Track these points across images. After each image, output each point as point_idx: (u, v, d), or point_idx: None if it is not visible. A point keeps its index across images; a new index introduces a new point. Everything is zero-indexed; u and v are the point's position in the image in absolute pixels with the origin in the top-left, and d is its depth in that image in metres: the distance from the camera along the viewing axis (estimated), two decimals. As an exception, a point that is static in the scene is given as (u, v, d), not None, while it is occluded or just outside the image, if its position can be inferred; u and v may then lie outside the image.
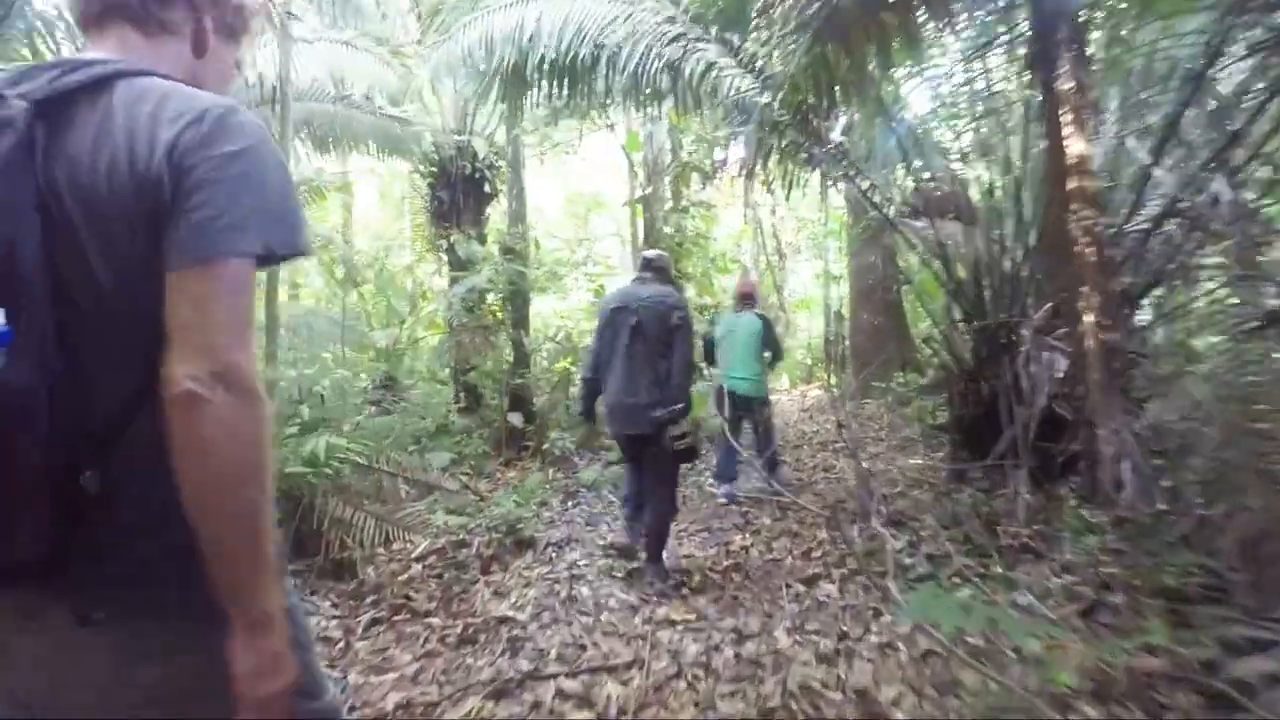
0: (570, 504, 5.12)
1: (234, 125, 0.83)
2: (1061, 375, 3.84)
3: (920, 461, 5.25)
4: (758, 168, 7.34)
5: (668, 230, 10.76)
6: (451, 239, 8.53)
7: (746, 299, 5.66)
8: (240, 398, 0.78)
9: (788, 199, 6.97)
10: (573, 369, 8.25)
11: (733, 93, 4.72)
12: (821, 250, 15.65)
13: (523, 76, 4.88)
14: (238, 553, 0.79)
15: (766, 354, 5.45)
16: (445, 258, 9.01)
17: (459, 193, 9.29)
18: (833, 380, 12.95)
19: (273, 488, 0.83)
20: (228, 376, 0.77)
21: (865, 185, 5.32)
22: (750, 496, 5.18)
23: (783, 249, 16.72)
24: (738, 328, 5.37)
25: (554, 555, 4.00)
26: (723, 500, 5.09)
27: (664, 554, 3.56)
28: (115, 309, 0.81)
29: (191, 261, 0.79)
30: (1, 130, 0.77)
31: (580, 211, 17.37)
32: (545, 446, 6.25)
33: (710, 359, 5.72)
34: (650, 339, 3.39)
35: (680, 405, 3.34)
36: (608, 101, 7.06)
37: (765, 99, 4.62)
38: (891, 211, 5.52)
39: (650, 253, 3.89)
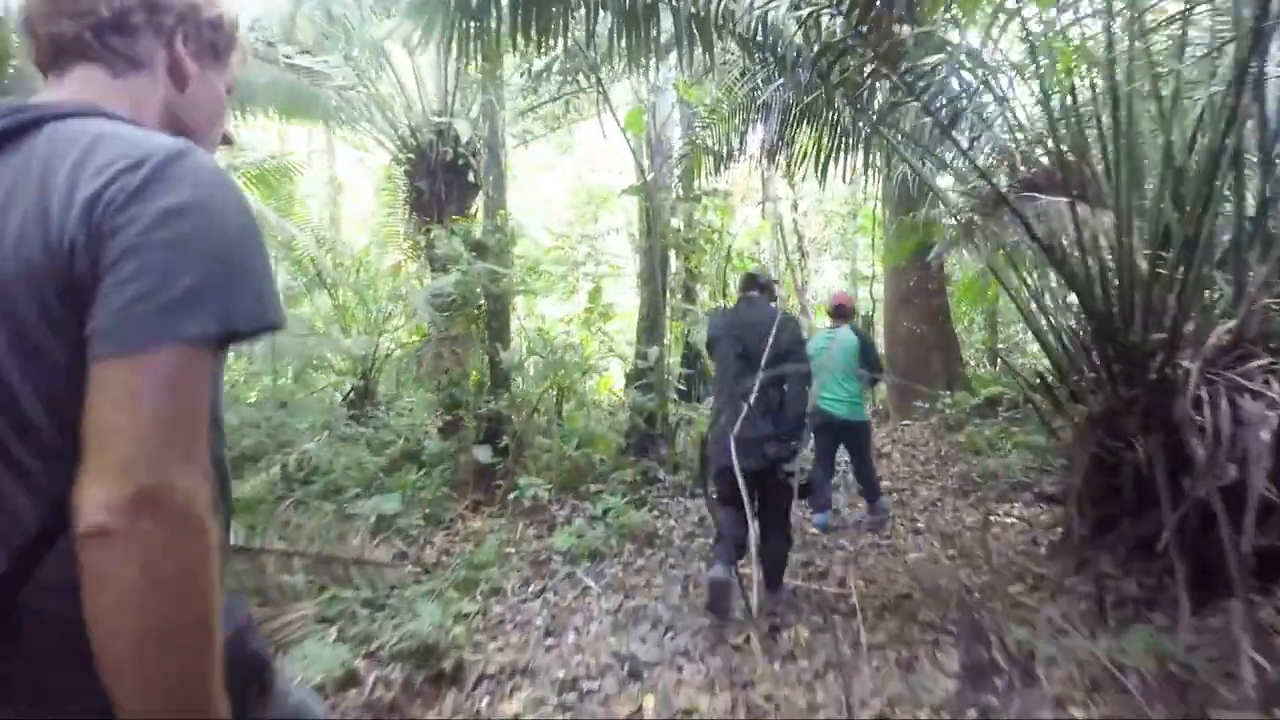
0: (532, 589, 3.79)
1: (175, 174, 0.66)
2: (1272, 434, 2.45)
3: (1020, 549, 3.83)
4: (782, 148, 6.02)
5: (675, 223, 9.43)
6: (432, 234, 7.30)
7: (841, 313, 5.19)
8: (173, 529, 0.59)
9: (822, 183, 5.58)
10: (558, 388, 6.99)
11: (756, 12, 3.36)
12: (850, 247, 14.20)
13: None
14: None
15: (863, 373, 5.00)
16: (426, 256, 7.81)
17: (440, 182, 8.11)
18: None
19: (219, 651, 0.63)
20: (156, 501, 0.59)
21: (943, 156, 3.92)
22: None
23: (805, 246, 15.29)
24: (832, 344, 4.96)
25: (490, 696, 2.68)
26: (816, 530, 4.76)
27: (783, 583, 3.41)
28: (29, 415, 0.64)
29: (113, 352, 0.61)
30: None
31: (586, 204, 16.12)
32: (514, 494, 4.92)
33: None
34: (753, 364, 3.18)
35: (795, 440, 3.16)
36: (591, 53, 5.77)
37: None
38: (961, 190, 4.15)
39: (753, 268, 3.91)
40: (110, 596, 0.58)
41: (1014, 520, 4.54)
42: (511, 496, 4.91)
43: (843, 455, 5.25)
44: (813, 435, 4.81)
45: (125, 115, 0.74)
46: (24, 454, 0.65)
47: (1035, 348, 11.77)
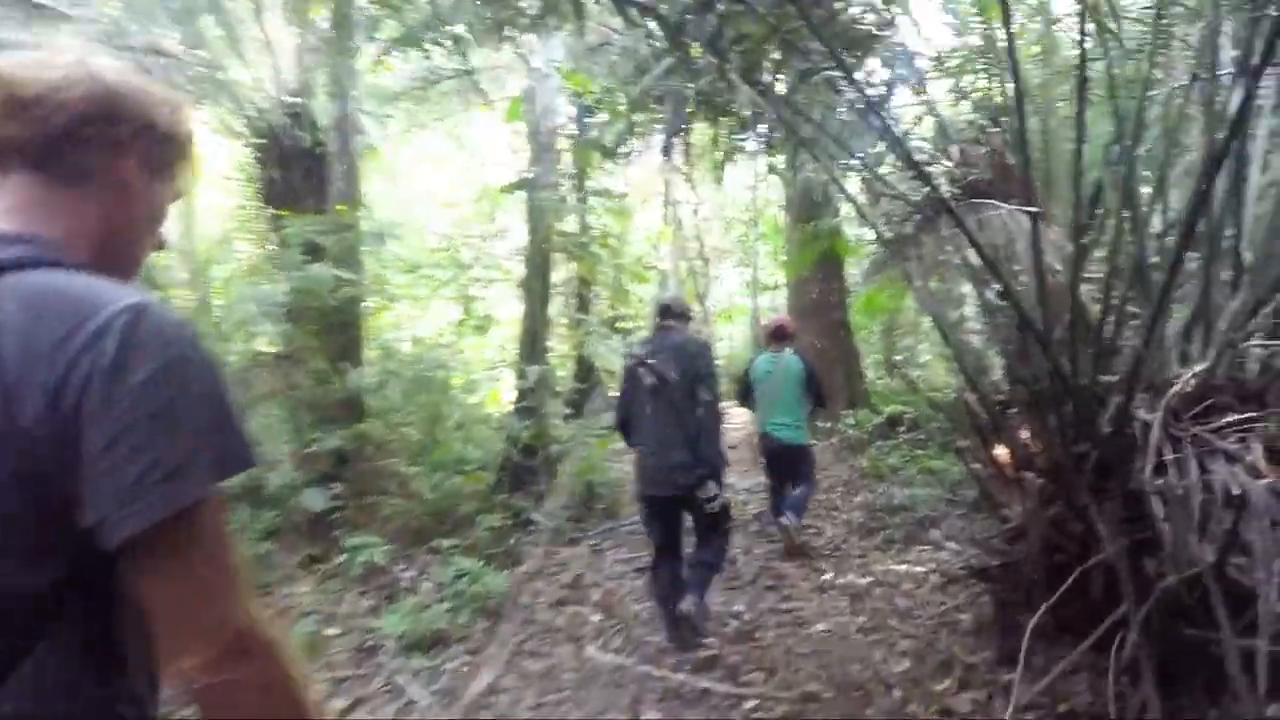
0: (341, 699, 2.89)
1: (141, 340, 0.63)
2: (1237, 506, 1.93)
3: (940, 618, 3.24)
4: (677, 145, 5.36)
5: (563, 227, 8.65)
6: (285, 231, 6.21)
7: (781, 335, 5.08)
8: (266, 660, 0.68)
9: (719, 182, 4.95)
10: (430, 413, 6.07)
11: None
12: (751, 255, 13.84)
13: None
14: None
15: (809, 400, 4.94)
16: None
17: (295, 171, 7.00)
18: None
19: None
20: (241, 646, 0.66)
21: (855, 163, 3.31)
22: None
23: (706, 253, 14.85)
24: (776, 368, 4.87)
25: None
26: (789, 523, 4.62)
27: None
28: None
29: (140, 527, 0.61)
30: None
31: (478, 202, 15.08)
32: (343, 557, 3.98)
33: (746, 402, 5.22)
34: (676, 396, 3.24)
35: (709, 467, 3.22)
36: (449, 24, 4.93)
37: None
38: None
39: (667, 297, 3.75)
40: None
41: (926, 570, 4.03)
42: (340, 560, 3.97)
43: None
44: (764, 461, 5.04)
45: (61, 234, 0.71)
46: None
47: (928, 358, 11.80)
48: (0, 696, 0.60)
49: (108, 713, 0.66)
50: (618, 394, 3.81)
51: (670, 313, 3.56)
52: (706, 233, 14.97)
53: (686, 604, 3.17)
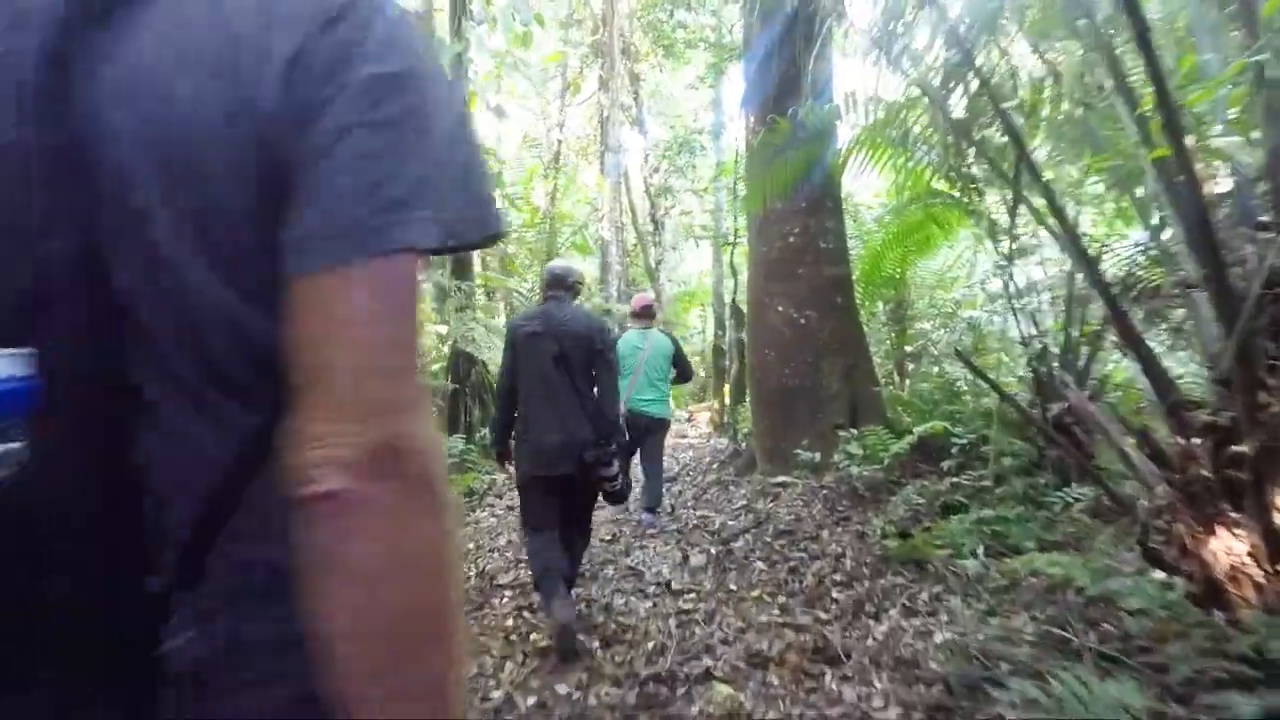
0: None
1: (394, 31, 0.50)
2: None
3: None
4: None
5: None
6: None
7: (646, 313, 5.01)
8: (417, 498, 0.46)
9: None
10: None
11: None
12: (716, 215, 10.56)
13: None
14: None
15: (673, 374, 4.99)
16: None
17: None
18: (727, 415, 7.95)
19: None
20: (399, 459, 0.45)
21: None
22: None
23: (657, 214, 11.62)
24: (645, 345, 4.86)
25: None
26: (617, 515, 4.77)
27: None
28: (210, 339, 0.48)
29: (337, 258, 0.46)
30: (21, 30, 0.44)
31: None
32: None
33: None
34: (575, 368, 3.09)
35: (613, 442, 3.13)
36: None
37: None
38: None
39: (558, 265, 3.40)
40: (342, 584, 0.44)
41: None
42: None
43: None
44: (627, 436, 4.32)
45: None
46: (207, 386, 0.49)
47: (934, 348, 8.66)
48: (256, 512, 0.49)
49: None
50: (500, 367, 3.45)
51: (562, 283, 3.28)
52: (656, 186, 11.72)
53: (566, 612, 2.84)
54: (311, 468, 0.44)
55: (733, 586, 3.45)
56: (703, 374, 12.19)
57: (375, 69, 0.48)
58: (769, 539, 3.99)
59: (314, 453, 0.44)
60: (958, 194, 5.02)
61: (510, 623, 3.16)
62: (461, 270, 7.24)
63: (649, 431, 4.82)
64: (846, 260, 5.38)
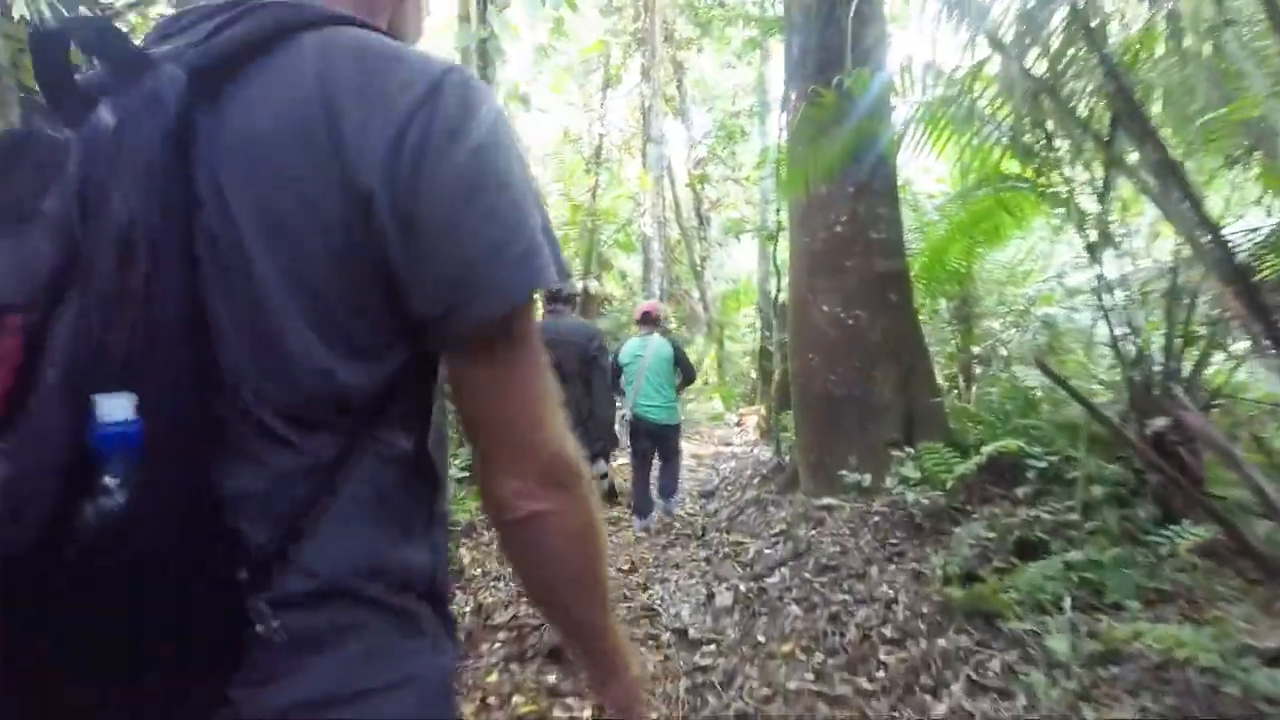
0: None
1: (474, 104, 0.57)
2: None
3: None
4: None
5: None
6: None
7: (649, 319, 5.16)
8: (578, 495, 0.63)
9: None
10: None
11: None
12: (760, 209, 9.93)
13: None
14: (589, 635, 0.73)
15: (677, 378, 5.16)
16: None
17: None
18: (770, 424, 7.36)
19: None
20: (560, 474, 0.62)
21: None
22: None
23: (704, 208, 11.04)
24: (645, 351, 4.99)
25: None
26: (640, 533, 4.78)
27: None
28: (301, 385, 0.55)
29: (484, 322, 0.56)
30: (143, 115, 0.49)
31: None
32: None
33: (615, 385, 5.04)
34: (568, 376, 3.20)
35: (602, 443, 3.25)
36: None
37: None
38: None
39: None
40: (548, 559, 0.64)
41: None
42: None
43: None
44: (630, 441, 5.05)
45: (359, 16, 0.62)
46: (291, 427, 0.56)
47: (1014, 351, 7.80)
48: (331, 530, 0.57)
49: (420, 544, 0.62)
50: None
51: (559, 296, 3.69)
52: (704, 179, 11.15)
53: None
54: (511, 501, 0.60)
55: (761, 637, 2.92)
56: (753, 375, 11.61)
57: (472, 141, 0.55)
58: (808, 575, 3.44)
59: (509, 487, 0.60)
60: (1033, 176, 4.36)
61: (493, 678, 2.70)
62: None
63: (657, 437, 4.99)
64: (902, 252, 4.75)
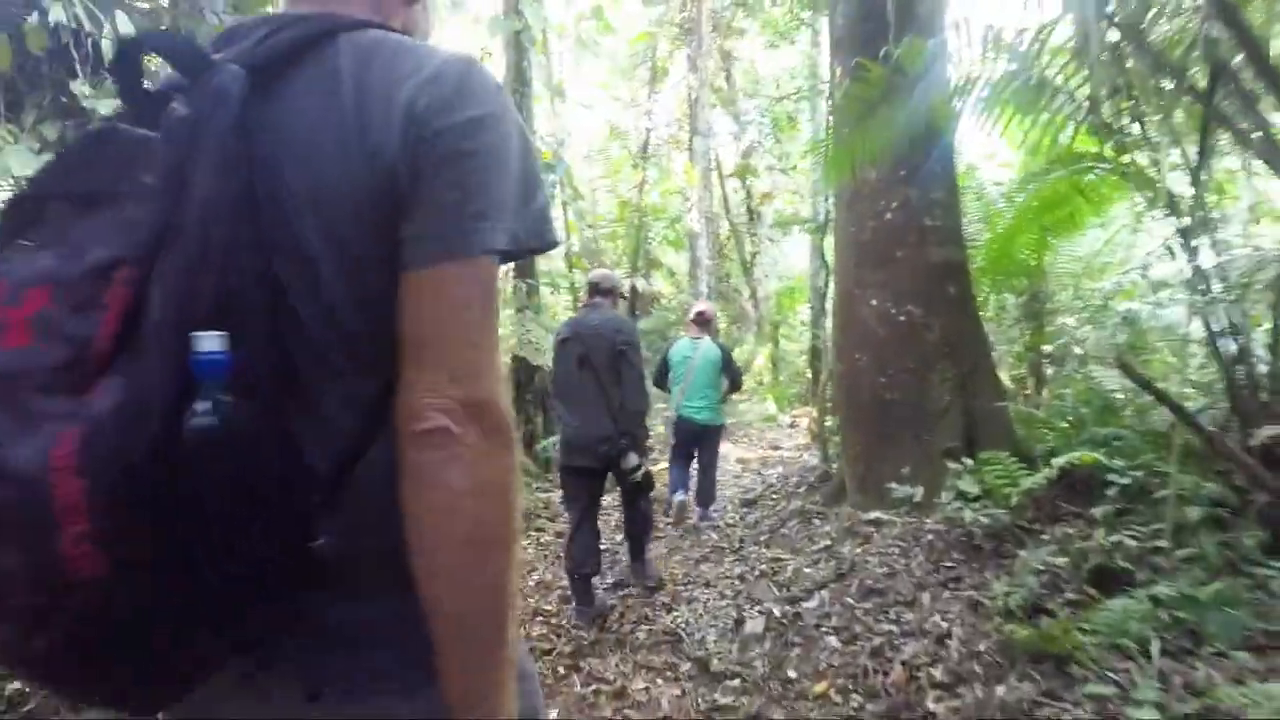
0: None
1: (476, 85, 0.68)
2: None
3: None
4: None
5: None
6: None
7: (701, 320, 5.26)
8: (495, 440, 0.63)
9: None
10: None
11: None
12: (815, 200, 9.46)
13: None
14: (477, 637, 0.64)
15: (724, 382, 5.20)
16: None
17: None
18: (817, 428, 6.94)
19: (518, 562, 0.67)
20: (483, 411, 0.63)
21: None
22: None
23: (754, 203, 10.64)
24: (695, 354, 5.06)
25: None
26: (668, 511, 5.01)
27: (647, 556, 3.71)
28: (347, 323, 0.65)
29: (439, 257, 0.64)
30: (213, 107, 0.60)
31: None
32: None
33: (662, 384, 5.25)
34: (599, 369, 3.31)
35: (630, 437, 3.30)
36: None
37: None
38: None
39: (596, 274, 3.77)
40: (439, 497, 0.62)
41: None
42: None
43: None
44: (674, 438, 5.13)
45: (378, 20, 0.75)
46: (344, 362, 0.66)
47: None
48: (378, 462, 0.64)
49: None
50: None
51: (599, 289, 3.58)
52: (753, 173, 10.74)
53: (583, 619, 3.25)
54: (424, 410, 0.61)
55: (792, 673, 2.60)
56: (808, 375, 11.16)
57: (467, 113, 0.66)
58: (851, 599, 3.08)
59: (425, 399, 0.62)
60: (1114, 154, 3.89)
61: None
62: (523, 269, 6.69)
63: (698, 437, 5.07)
64: (960, 240, 4.31)
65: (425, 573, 0.62)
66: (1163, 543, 2.72)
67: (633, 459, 3.28)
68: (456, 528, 0.61)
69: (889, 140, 3.82)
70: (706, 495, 5.13)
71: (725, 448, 6.88)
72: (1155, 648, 2.25)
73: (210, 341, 0.55)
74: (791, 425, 11.25)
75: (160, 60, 0.69)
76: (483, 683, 0.64)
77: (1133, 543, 2.73)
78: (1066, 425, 4.13)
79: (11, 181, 5.32)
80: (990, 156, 7.24)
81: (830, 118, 5.41)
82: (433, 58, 0.67)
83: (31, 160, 4.99)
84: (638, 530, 3.63)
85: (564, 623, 3.30)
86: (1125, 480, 3.07)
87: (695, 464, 5.26)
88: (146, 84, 0.67)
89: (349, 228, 0.64)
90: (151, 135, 0.62)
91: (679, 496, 5.04)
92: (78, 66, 4.81)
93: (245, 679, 0.66)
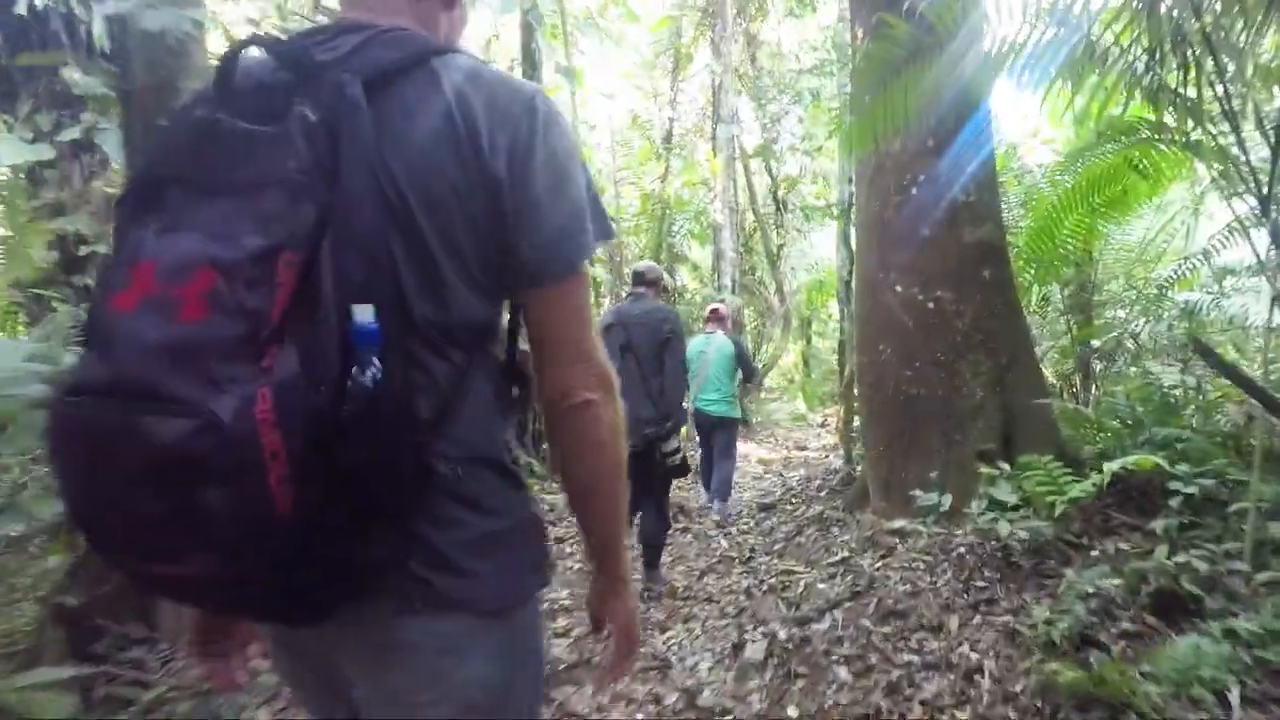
0: None
1: (556, 119, 0.83)
2: None
3: None
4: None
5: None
6: None
7: (715, 316, 5.54)
8: (615, 400, 0.86)
9: None
10: None
11: None
12: (843, 185, 8.96)
13: None
14: (612, 530, 0.92)
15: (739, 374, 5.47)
16: None
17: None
18: (841, 426, 6.49)
19: None
20: (606, 382, 0.85)
21: None
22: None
23: (781, 194, 10.19)
24: (709, 348, 5.26)
25: None
26: (709, 505, 5.24)
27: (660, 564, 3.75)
28: (453, 313, 0.80)
29: (561, 273, 0.82)
30: (351, 113, 0.70)
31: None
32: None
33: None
34: (642, 356, 3.46)
35: (672, 421, 3.44)
36: None
37: None
38: None
39: (641, 265, 3.90)
40: (594, 441, 0.85)
41: None
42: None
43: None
44: (695, 431, 5.49)
45: (427, 31, 0.88)
46: (446, 342, 0.80)
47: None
48: (466, 412, 0.81)
49: (502, 436, 0.87)
50: None
51: (643, 280, 3.72)
52: (779, 160, 10.28)
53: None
54: (573, 391, 0.83)
55: (792, 711, 2.24)
56: (839, 372, 10.68)
57: (556, 145, 0.81)
58: (867, 622, 2.70)
59: (571, 382, 0.83)
60: (1181, 117, 3.44)
61: None
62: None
63: (714, 429, 5.28)
64: (998, 218, 3.87)
65: (589, 483, 0.87)
66: (1240, 564, 2.29)
67: (674, 442, 3.41)
68: (605, 458, 0.85)
69: (916, 106, 3.41)
70: (721, 489, 5.25)
71: (748, 448, 6.54)
72: (1235, 696, 1.84)
73: (367, 314, 0.66)
74: (822, 424, 10.80)
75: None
76: (617, 542, 0.92)
77: (1203, 564, 2.30)
78: (1119, 425, 3.67)
79: (8, 170, 5.17)
80: (1033, 134, 6.71)
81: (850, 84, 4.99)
82: (524, 90, 0.81)
83: (25, 150, 4.83)
84: (654, 535, 3.57)
85: (544, 644, 2.99)
86: (1191, 489, 2.63)
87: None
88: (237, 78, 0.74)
89: (462, 227, 0.76)
90: (254, 129, 0.70)
91: (710, 494, 5.30)
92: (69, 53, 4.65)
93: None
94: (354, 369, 0.65)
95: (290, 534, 0.64)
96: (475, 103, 0.76)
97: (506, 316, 0.87)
